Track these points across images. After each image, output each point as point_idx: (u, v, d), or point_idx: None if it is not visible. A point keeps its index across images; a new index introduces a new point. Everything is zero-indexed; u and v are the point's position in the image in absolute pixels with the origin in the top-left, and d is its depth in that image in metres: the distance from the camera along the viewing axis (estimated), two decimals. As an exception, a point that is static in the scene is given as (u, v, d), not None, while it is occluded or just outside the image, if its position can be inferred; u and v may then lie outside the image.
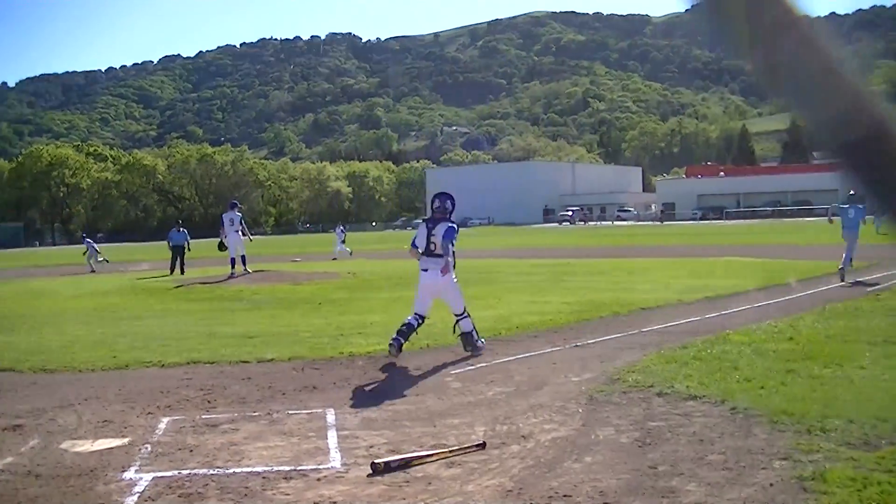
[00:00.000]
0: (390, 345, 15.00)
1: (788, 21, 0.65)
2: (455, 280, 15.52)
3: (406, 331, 15.20)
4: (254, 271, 36.52)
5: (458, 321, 15.43)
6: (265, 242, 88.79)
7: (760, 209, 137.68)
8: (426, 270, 15.38)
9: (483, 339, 15.79)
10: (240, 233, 36.55)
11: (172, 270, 41.27)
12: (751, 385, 11.43)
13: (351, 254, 53.57)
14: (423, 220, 16.02)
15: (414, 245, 15.67)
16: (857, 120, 0.68)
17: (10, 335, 20.05)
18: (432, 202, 16.15)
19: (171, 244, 42.93)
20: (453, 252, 15.40)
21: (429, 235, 15.32)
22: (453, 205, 15.85)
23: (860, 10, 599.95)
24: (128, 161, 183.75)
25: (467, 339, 15.40)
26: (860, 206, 27.40)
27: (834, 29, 0.69)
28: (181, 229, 43.55)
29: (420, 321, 15.45)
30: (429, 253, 15.29)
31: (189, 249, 43.32)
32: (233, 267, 35.93)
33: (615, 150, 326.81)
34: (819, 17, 0.68)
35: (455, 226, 15.51)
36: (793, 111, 0.69)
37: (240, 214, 37.26)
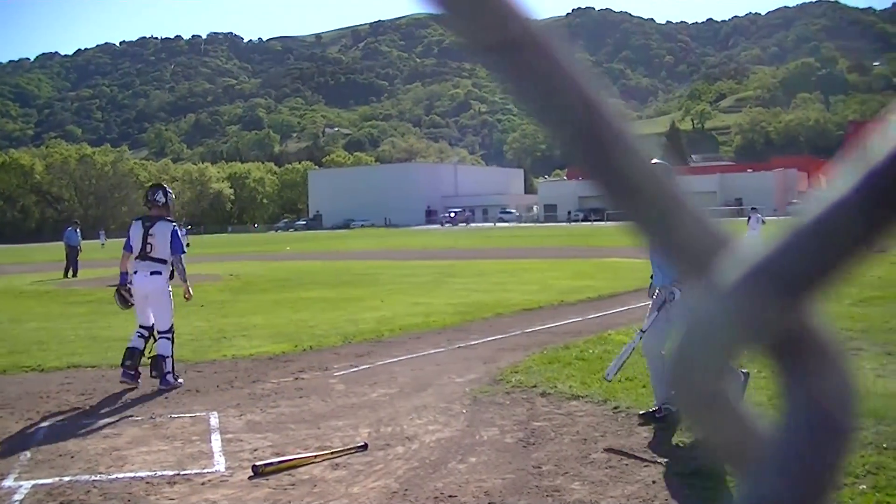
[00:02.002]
0: (121, 381, 12.97)
1: (515, 33, 0.65)
2: (169, 291, 13.71)
3: (131, 363, 13.06)
4: (136, 273, 36.13)
5: (157, 339, 13.40)
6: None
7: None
8: (136, 273, 13.61)
9: (181, 379, 13.50)
10: None
11: (67, 273, 40.23)
12: (632, 384, 11.57)
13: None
14: (139, 218, 13.97)
15: (128, 247, 13.79)
16: (601, 142, 0.69)
17: None
18: (146, 196, 14.28)
19: (68, 245, 41.58)
20: (181, 261, 13.77)
21: (146, 236, 13.46)
22: (167, 197, 14.02)
23: (736, 16, 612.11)
24: (3, 161, 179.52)
25: (157, 362, 13.11)
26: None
27: (566, 36, 0.70)
28: (77, 230, 42.49)
29: (146, 336, 13.44)
30: (144, 256, 13.49)
31: (81, 250, 42.23)
32: None
33: (497, 152, 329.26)
34: (552, 24, 0.68)
35: (177, 228, 13.89)
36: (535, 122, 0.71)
37: None
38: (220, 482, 8.35)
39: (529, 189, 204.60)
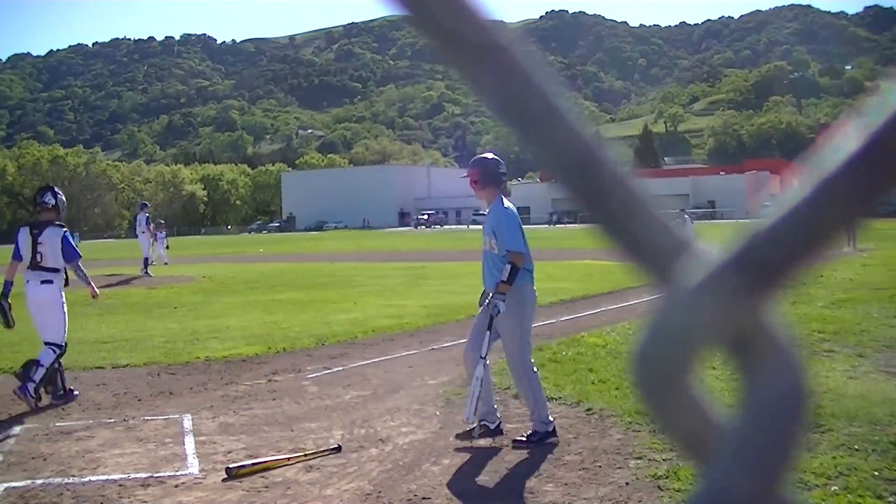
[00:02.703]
0: (31, 402, 11.83)
1: (487, 45, 0.66)
2: (63, 301, 12.52)
3: (53, 387, 12.30)
4: (108, 275, 36.00)
5: (44, 346, 12.35)
6: (119, 246, 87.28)
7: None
8: (28, 282, 12.42)
9: (42, 401, 12.05)
10: (145, 234, 36.44)
11: None
12: (606, 386, 11.58)
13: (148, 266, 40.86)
14: (27, 225, 12.97)
15: (17, 256, 12.58)
16: (568, 147, 0.70)
17: None
18: (34, 199, 13.10)
19: None
20: (80, 268, 12.63)
21: (34, 244, 12.36)
22: (57, 199, 12.86)
23: (709, 20, 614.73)
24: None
25: (29, 365, 12.10)
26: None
27: (532, 41, 0.73)
28: (76, 232, 42.48)
29: (58, 353, 12.32)
30: (34, 265, 12.39)
31: None
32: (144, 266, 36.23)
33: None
34: (521, 35, 0.70)
35: (67, 234, 12.70)
36: (512, 133, 0.73)
37: (145, 214, 37.08)
38: (193, 485, 8.33)
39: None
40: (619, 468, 8.30)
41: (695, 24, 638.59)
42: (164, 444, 9.85)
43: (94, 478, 8.61)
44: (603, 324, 18.05)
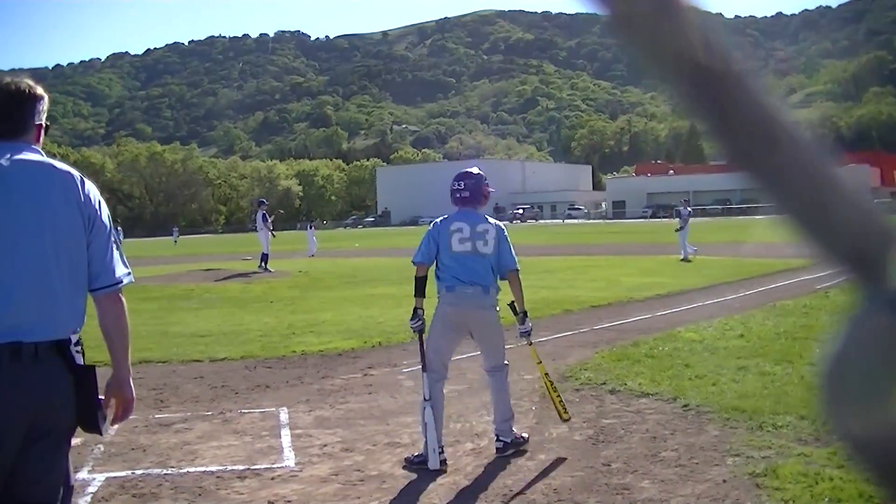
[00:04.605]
0: None
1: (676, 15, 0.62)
2: None
3: None
4: (206, 270, 36.35)
5: None
6: (216, 241, 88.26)
7: (710, 207, 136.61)
8: None
9: None
10: (264, 230, 36.54)
11: None
12: (703, 382, 11.47)
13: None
14: None
15: None
16: (764, 132, 0.65)
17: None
18: None
19: None
20: None
21: None
22: None
23: (806, 10, 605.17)
24: (76, 159, 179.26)
25: None
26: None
27: (733, 30, 0.67)
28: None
29: None
30: None
31: None
32: (262, 262, 36.14)
33: (565, 149, 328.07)
34: (717, 15, 0.64)
35: None
36: (694, 119, 0.67)
37: (262, 211, 37.17)
38: (289, 477, 8.39)
39: (597, 185, 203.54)
40: (716, 465, 8.20)
41: (791, 15, 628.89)
42: (261, 436, 9.94)
43: (192, 469, 8.71)
44: (699, 319, 17.89)
